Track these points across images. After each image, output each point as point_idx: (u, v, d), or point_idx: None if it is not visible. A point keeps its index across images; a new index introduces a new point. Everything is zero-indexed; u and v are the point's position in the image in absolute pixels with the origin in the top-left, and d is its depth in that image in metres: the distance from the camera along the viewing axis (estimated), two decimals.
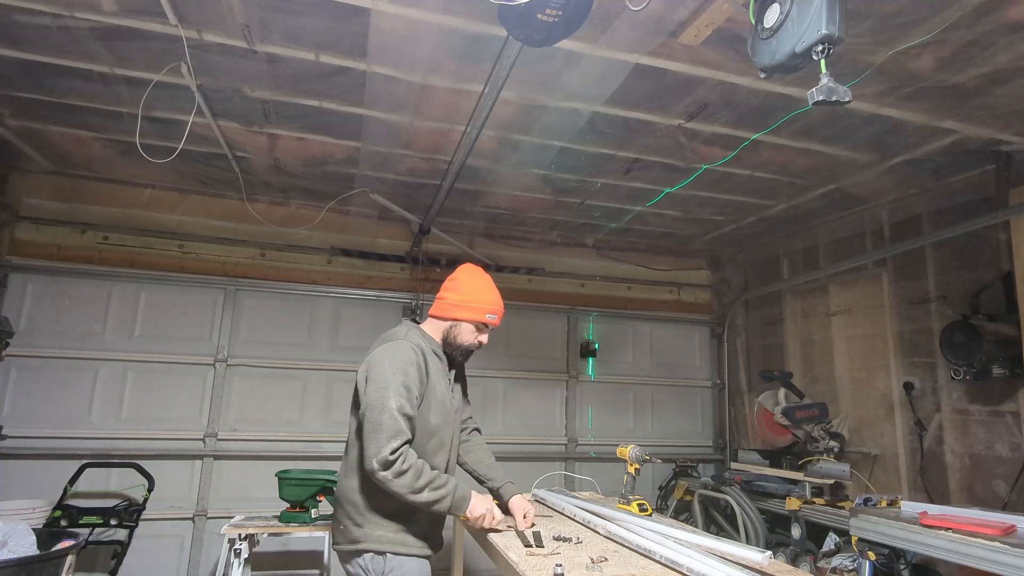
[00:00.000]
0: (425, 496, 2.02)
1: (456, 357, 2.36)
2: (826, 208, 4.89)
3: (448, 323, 2.31)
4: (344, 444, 2.33)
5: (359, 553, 2.11)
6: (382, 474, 1.95)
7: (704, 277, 6.54)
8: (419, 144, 3.97)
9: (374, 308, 5.43)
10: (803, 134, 3.60)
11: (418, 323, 2.38)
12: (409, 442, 2.04)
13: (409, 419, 2.04)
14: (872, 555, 3.16)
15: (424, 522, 2.19)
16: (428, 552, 2.21)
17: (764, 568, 1.91)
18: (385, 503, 2.11)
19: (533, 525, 2.38)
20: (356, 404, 2.17)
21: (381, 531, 2.11)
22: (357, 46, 2.88)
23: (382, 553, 2.10)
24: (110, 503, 4.10)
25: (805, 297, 5.55)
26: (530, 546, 2.13)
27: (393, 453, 1.95)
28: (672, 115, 3.45)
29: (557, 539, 2.27)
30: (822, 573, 3.86)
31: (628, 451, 2.90)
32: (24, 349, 4.49)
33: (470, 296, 2.31)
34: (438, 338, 2.33)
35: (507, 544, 2.18)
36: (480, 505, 2.21)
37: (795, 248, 5.64)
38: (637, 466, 2.87)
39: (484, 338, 2.35)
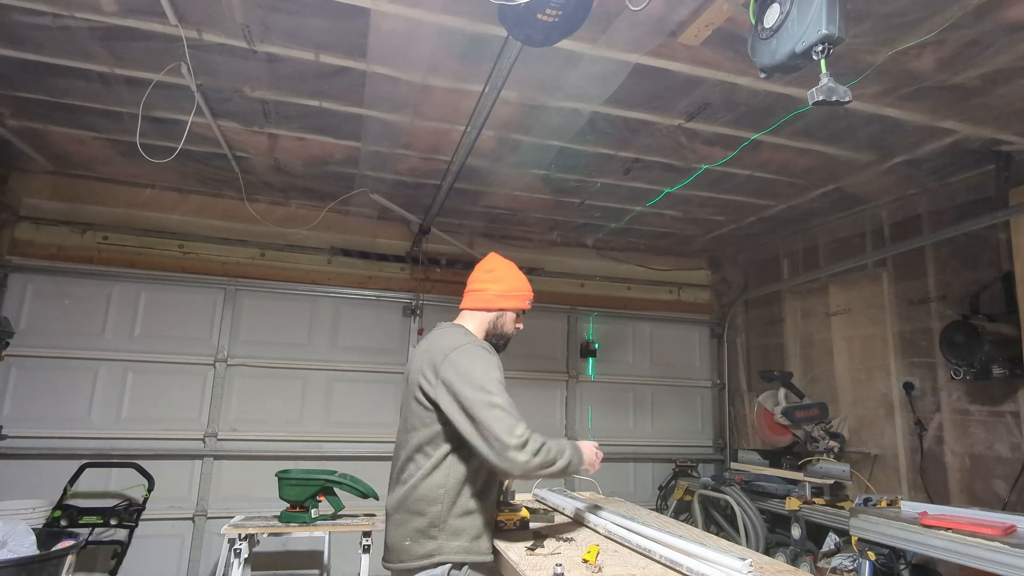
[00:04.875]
0: (560, 464, 1.92)
1: (499, 347, 2.31)
2: (826, 208, 4.89)
3: (494, 314, 2.28)
4: (391, 458, 2.20)
5: (430, 568, 1.98)
6: (523, 458, 1.81)
7: (704, 277, 6.55)
8: (419, 144, 3.97)
9: (374, 308, 5.43)
10: (803, 134, 3.60)
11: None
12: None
13: (513, 407, 1.93)
14: (872, 555, 3.16)
15: (488, 526, 2.11)
16: (492, 556, 2.15)
17: (764, 568, 1.91)
18: (461, 513, 2.01)
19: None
20: (417, 415, 2.06)
21: (457, 542, 2.00)
22: (357, 46, 2.88)
23: (460, 566, 1.99)
24: (110, 503, 4.11)
25: (805, 297, 5.55)
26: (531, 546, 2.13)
27: (522, 435, 1.84)
28: (672, 115, 3.45)
29: (557, 539, 2.27)
30: (822, 573, 3.86)
31: None
32: (24, 349, 4.49)
33: (512, 284, 2.31)
34: (482, 331, 2.27)
35: (507, 544, 2.18)
36: (589, 448, 2.15)
37: (795, 248, 5.64)
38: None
39: (521, 324, 2.36)
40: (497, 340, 2.31)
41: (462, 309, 2.33)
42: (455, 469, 2.01)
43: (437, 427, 2.01)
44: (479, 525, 2.05)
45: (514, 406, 1.93)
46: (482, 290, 2.29)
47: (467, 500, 2.02)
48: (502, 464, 1.83)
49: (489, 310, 2.28)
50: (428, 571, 1.98)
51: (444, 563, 1.98)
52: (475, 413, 1.89)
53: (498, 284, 2.29)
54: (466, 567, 2.02)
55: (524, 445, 1.83)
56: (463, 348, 2.04)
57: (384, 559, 2.09)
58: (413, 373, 2.13)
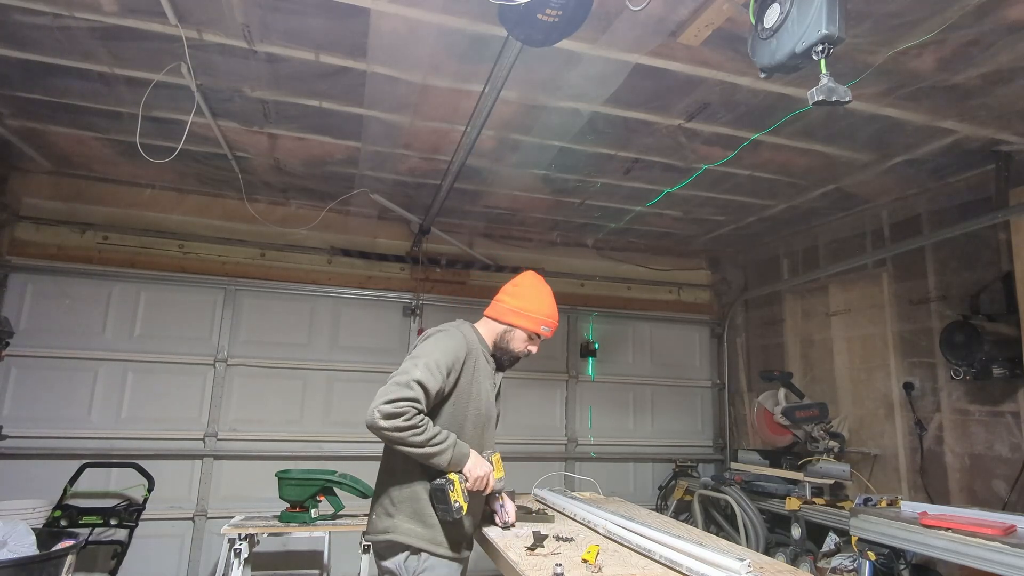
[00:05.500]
0: (426, 449, 1.98)
1: (504, 362, 2.35)
2: (826, 208, 4.89)
3: (503, 327, 2.32)
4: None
5: (392, 548, 2.09)
6: (382, 422, 1.90)
7: (704, 277, 6.54)
8: (419, 144, 3.97)
9: (374, 308, 5.43)
10: (803, 134, 3.60)
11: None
12: (418, 406, 1.96)
13: (426, 392, 1.99)
14: (872, 555, 3.16)
15: (460, 524, 2.14)
16: (462, 556, 2.19)
17: (764, 568, 1.91)
18: (422, 501, 2.09)
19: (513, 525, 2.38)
20: None
21: (411, 525, 2.09)
22: (357, 46, 2.88)
23: (418, 552, 2.08)
24: (110, 503, 4.10)
25: (805, 297, 5.55)
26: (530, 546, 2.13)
27: (400, 408, 1.91)
28: (672, 115, 3.45)
29: (557, 539, 2.27)
30: (822, 573, 3.86)
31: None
32: (24, 349, 4.49)
33: (529, 304, 2.32)
34: (490, 341, 2.32)
35: (507, 544, 2.18)
36: (481, 466, 2.14)
37: (795, 248, 5.64)
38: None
39: (534, 348, 2.36)
40: (502, 355, 2.34)
41: (483, 315, 2.41)
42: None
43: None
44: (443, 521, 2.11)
45: (426, 391, 1.99)
46: (500, 301, 2.36)
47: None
48: (368, 422, 1.94)
49: (500, 322, 2.33)
50: (392, 557, 2.10)
51: (403, 549, 2.08)
52: (390, 378, 2.01)
53: (515, 300, 2.33)
54: (424, 554, 2.08)
55: (392, 416, 1.91)
56: (440, 331, 2.21)
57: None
58: None
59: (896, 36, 2.58)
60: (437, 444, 2.01)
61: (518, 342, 2.32)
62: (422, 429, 1.97)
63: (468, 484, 2.09)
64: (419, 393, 1.97)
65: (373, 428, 1.94)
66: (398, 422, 1.92)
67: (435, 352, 2.09)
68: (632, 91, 3.17)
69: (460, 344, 2.17)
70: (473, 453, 2.14)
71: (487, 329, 2.34)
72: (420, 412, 1.97)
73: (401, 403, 1.92)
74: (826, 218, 5.13)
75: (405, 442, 1.95)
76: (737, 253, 6.41)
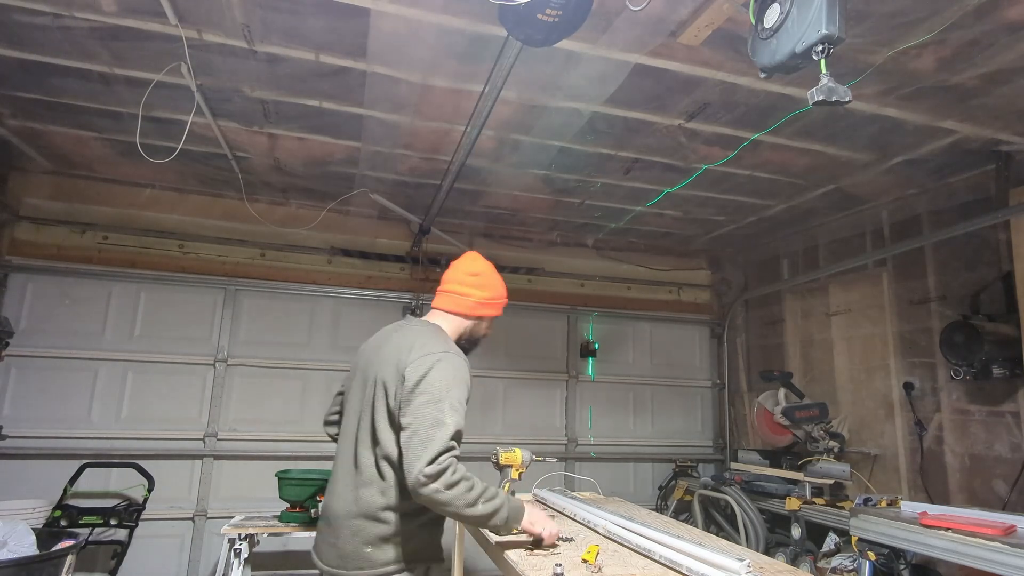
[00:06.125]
0: (480, 509, 1.80)
1: (468, 351, 2.18)
2: (826, 208, 4.89)
3: (471, 321, 2.18)
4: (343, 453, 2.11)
5: (388, 572, 1.89)
6: (432, 487, 1.71)
7: (704, 277, 6.54)
8: (419, 144, 3.98)
9: (374, 308, 5.43)
10: (803, 134, 3.60)
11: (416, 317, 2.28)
12: (458, 457, 1.81)
13: (460, 435, 1.83)
14: (872, 555, 3.16)
15: (442, 530, 2.05)
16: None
17: (764, 568, 1.91)
18: (420, 515, 1.92)
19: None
20: (384, 417, 1.93)
21: (415, 544, 1.91)
22: (357, 46, 2.88)
23: (427, 568, 1.94)
24: (110, 503, 4.10)
25: (805, 297, 5.55)
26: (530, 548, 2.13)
27: (442, 463, 1.73)
28: (672, 115, 3.45)
29: (558, 539, 2.27)
30: (822, 573, 3.86)
31: (518, 455, 2.44)
32: (24, 349, 4.49)
33: (496, 291, 2.22)
34: (454, 336, 2.16)
35: (507, 544, 2.18)
36: (542, 516, 2.06)
37: (795, 248, 5.64)
38: (523, 470, 2.45)
39: (491, 329, 2.29)
40: (469, 345, 2.21)
41: (436, 308, 2.21)
42: None
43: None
44: (435, 526, 1.99)
45: (460, 434, 1.83)
46: (464, 295, 2.16)
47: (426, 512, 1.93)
48: (413, 484, 1.73)
49: (467, 316, 2.17)
50: None
51: (404, 569, 1.89)
52: (417, 428, 1.79)
53: (482, 291, 2.17)
54: (432, 567, 1.96)
55: (439, 476, 1.72)
56: (443, 360, 1.91)
57: (332, 564, 1.92)
58: (380, 372, 1.98)
59: (896, 36, 2.58)
60: (491, 500, 1.84)
61: (483, 329, 2.23)
62: (471, 482, 1.79)
63: (533, 541, 2.00)
64: (457, 441, 1.81)
65: (429, 500, 1.74)
66: (459, 489, 1.75)
67: (453, 389, 1.87)
68: (632, 91, 3.17)
69: (462, 363, 1.97)
70: (527, 505, 2.00)
71: (452, 326, 2.16)
72: (460, 466, 1.80)
73: (444, 457, 1.74)
74: (826, 218, 5.13)
75: (460, 504, 1.76)
76: (737, 253, 6.41)
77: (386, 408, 1.92)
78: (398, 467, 1.86)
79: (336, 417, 2.32)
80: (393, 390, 1.91)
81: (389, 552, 1.88)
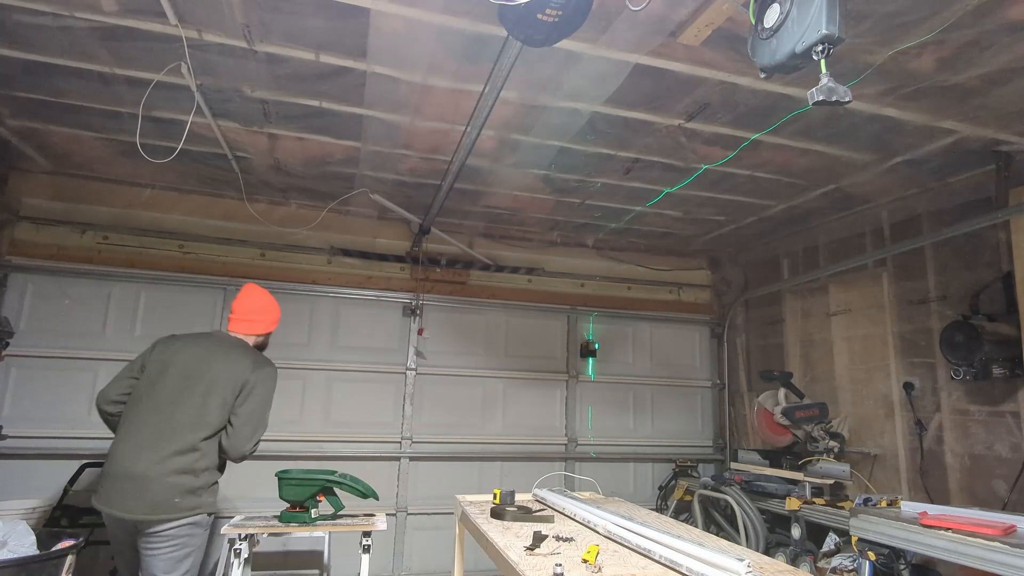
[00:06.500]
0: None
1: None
2: (826, 208, 4.89)
3: (263, 338, 3.21)
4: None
5: (191, 516, 2.62)
6: (248, 459, 2.84)
7: (704, 277, 6.54)
8: (419, 144, 3.97)
9: (374, 308, 5.43)
10: (803, 134, 3.60)
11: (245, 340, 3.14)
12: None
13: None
14: (872, 555, 3.16)
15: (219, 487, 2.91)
16: None
17: (764, 568, 1.91)
18: (216, 476, 2.78)
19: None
20: (219, 408, 2.77)
21: (212, 498, 2.75)
22: (357, 46, 2.88)
23: (210, 515, 2.75)
24: None
25: (805, 297, 5.56)
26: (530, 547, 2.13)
27: (256, 443, 2.85)
28: (672, 115, 3.45)
29: (557, 539, 2.27)
30: (822, 573, 3.86)
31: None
32: (24, 349, 4.50)
33: (277, 314, 3.29)
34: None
35: (507, 544, 2.19)
36: None
37: (795, 248, 5.64)
38: None
39: None
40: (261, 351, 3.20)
41: (239, 333, 3.10)
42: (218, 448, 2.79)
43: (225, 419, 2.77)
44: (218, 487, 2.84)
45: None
46: (260, 321, 3.18)
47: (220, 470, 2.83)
48: (238, 453, 2.77)
49: (260, 335, 3.20)
50: (188, 519, 2.62)
51: (201, 514, 2.69)
52: (250, 419, 2.81)
53: (271, 315, 3.25)
54: (210, 516, 2.77)
55: (252, 454, 2.84)
56: (271, 371, 2.98)
57: (142, 512, 2.54)
58: (224, 373, 2.82)
59: (896, 36, 2.58)
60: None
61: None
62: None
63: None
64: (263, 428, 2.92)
65: (239, 460, 2.82)
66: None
67: (271, 397, 2.97)
68: (632, 91, 3.17)
69: (275, 371, 3.07)
70: None
71: (252, 343, 3.13)
72: None
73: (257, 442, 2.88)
74: (826, 218, 5.13)
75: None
76: (737, 253, 6.41)
77: (225, 405, 2.77)
78: (218, 443, 2.76)
79: (125, 399, 2.87)
80: (241, 395, 2.81)
81: (193, 500, 2.65)
